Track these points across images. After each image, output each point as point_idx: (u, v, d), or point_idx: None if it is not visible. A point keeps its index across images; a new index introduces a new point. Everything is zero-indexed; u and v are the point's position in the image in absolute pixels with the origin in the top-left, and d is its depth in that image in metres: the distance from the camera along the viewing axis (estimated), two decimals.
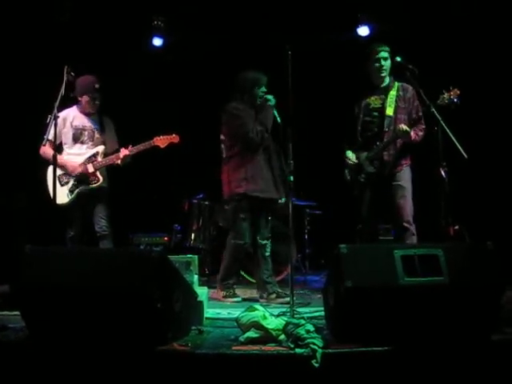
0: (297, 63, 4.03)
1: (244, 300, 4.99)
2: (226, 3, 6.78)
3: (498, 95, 6.30)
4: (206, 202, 6.66)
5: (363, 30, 7.14)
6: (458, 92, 4.23)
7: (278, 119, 4.85)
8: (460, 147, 3.86)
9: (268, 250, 5.08)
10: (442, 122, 4.12)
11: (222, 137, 5.09)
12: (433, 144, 4.52)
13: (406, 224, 4.59)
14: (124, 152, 4.96)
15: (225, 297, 4.92)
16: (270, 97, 4.90)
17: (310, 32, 6.85)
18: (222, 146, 5.09)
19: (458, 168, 4.55)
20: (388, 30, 6.42)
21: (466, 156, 3.86)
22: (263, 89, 4.97)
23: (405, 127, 4.51)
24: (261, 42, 6.86)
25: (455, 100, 4.21)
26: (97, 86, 4.97)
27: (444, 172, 4.65)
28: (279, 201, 5.12)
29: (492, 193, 6.48)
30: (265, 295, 4.93)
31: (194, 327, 3.35)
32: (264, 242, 5.04)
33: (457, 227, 5.42)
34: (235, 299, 4.89)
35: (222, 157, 5.10)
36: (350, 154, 4.91)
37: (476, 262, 3.01)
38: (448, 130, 3.99)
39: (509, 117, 6.46)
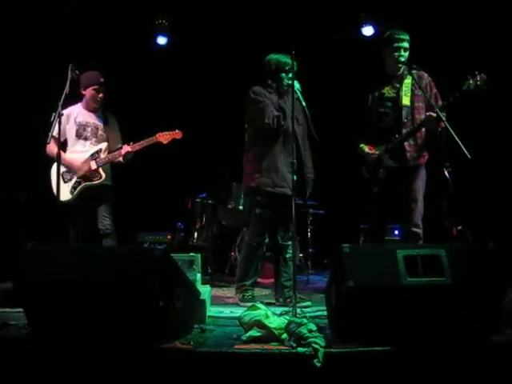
0: (300, 62, 4.03)
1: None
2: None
3: (502, 95, 6.28)
4: (210, 201, 6.68)
5: (368, 30, 7.13)
6: (485, 77, 4.03)
7: (303, 103, 4.47)
8: (463, 147, 3.83)
9: (290, 251, 4.66)
10: (445, 122, 4.08)
11: (245, 125, 4.82)
12: (436, 144, 4.51)
13: (414, 228, 4.45)
14: (126, 149, 4.94)
15: (241, 300, 4.59)
16: (294, 82, 4.33)
17: (315, 31, 6.85)
18: (246, 135, 4.82)
19: (462, 168, 4.55)
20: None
21: (469, 156, 3.82)
22: (290, 75, 4.44)
23: (434, 114, 4.21)
24: (265, 40, 6.85)
25: (482, 86, 4.02)
26: (101, 79, 4.99)
27: (447, 172, 4.65)
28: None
29: (495, 193, 6.46)
30: (281, 299, 4.64)
31: (196, 325, 3.35)
32: (285, 243, 4.71)
33: (460, 227, 5.42)
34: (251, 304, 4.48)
35: (243, 148, 4.84)
36: (367, 148, 4.65)
37: (478, 262, 3.00)
38: (451, 131, 3.95)
39: None
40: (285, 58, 4.61)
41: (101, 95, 5.04)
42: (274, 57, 4.71)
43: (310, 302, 4.55)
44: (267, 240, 4.88)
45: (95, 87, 4.99)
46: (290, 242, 4.69)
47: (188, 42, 7.27)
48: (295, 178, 3.96)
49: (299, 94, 4.46)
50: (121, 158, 5.00)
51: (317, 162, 6.79)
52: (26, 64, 6.70)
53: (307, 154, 4.81)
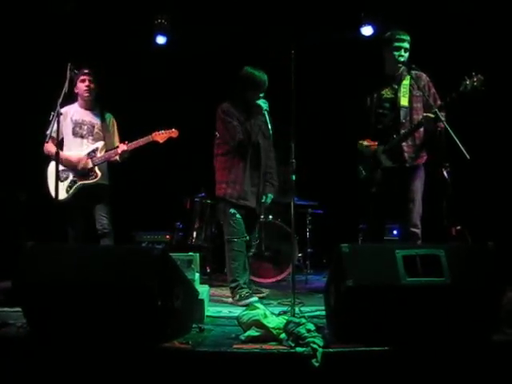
0: (300, 62, 4.02)
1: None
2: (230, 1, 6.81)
3: (501, 96, 6.28)
4: (208, 201, 6.65)
5: (367, 30, 7.13)
6: (482, 78, 4.01)
7: (269, 125, 4.69)
8: (462, 148, 3.83)
9: (252, 251, 5.15)
10: (444, 122, 4.09)
11: (216, 132, 4.94)
12: (435, 145, 4.51)
13: (412, 229, 4.45)
14: (122, 147, 4.93)
15: (239, 300, 4.64)
16: (261, 103, 4.73)
17: (315, 31, 6.85)
18: (215, 141, 4.97)
19: (461, 169, 4.54)
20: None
21: (468, 157, 3.83)
22: (261, 93, 4.77)
23: (431, 115, 4.22)
24: (264, 40, 6.86)
25: (479, 87, 4.00)
26: (86, 70, 4.96)
27: (446, 173, 4.65)
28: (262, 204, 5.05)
29: (494, 193, 6.47)
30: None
31: (194, 325, 3.36)
32: (249, 244, 5.01)
33: (459, 228, 5.42)
34: (250, 300, 4.55)
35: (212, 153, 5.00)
36: (366, 143, 4.68)
37: (477, 262, 3.00)
38: (451, 131, 3.95)
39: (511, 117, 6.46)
40: (260, 75, 4.78)
41: (86, 83, 4.98)
42: (249, 69, 4.82)
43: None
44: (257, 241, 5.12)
45: (81, 78, 4.96)
46: (255, 243, 5.16)
47: (187, 42, 7.26)
48: (294, 178, 3.97)
49: (266, 116, 4.68)
50: (117, 157, 4.99)
51: (316, 162, 6.84)
52: (26, 64, 6.70)
53: (271, 164, 5.04)
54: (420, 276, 2.91)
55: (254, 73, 4.79)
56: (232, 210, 4.77)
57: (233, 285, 4.77)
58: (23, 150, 6.36)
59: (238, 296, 4.68)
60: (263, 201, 4.98)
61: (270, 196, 5.05)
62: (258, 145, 4.85)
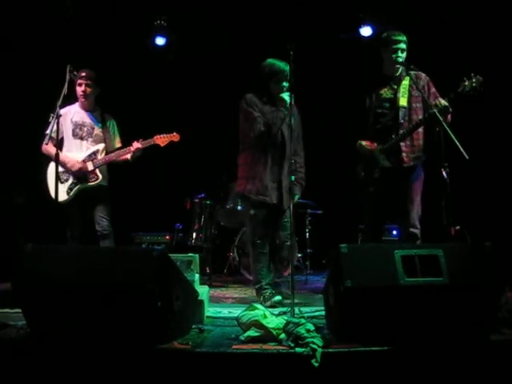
0: (299, 63, 4.03)
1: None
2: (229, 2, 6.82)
3: (500, 96, 6.29)
4: (208, 201, 6.68)
5: (366, 31, 7.14)
6: (481, 79, 4.04)
7: (295, 119, 4.39)
8: (461, 148, 3.84)
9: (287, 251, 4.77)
10: (443, 122, 4.09)
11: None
12: (434, 144, 4.52)
13: (411, 229, 4.45)
14: (136, 145, 4.96)
15: (263, 301, 4.49)
16: (285, 96, 4.50)
17: (313, 31, 6.86)
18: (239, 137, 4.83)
19: (460, 168, 4.55)
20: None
21: (467, 157, 3.83)
22: (284, 83, 4.57)
23: (443, 101, 4.16)
24: (263, 41, 6.87)
25: (478, 87, 4.03)
26: (83, 73, 4.95)
27: (445, 172, 4.65)
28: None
29: (493, 193, 6.47)
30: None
31: (194, 326, 3.36)
32: (281, 243, 4.77)
33: (458, 227, 5.42)
34: (274, 299, 4.47)
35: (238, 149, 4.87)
36: (364, 143, 4.65)
37: (475, 262, 3.01)
38: (449, 131, 3.96)
39: (510, 117, 6.46)
40: (281, 65, 4.60)
41: (82, 88, 4.99)
42: (270, 61, 4.70)
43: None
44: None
45: (78, 81, 4.97)
46: (285, 243, 4.72)
47: (187, 43, 7.27)
48: (293, 178, 3.99)
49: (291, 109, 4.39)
50: (128, 156, 5.00)
51: (315, 162, 6.84)
52: (25, 66, 6.71)
53: (300, 161, 4.86)
54: (419, 276, 2.92)
55: (274, 62, 4.65)
56: (252, 212, 4.68)
57: (256, 286, 4.72)
58: (22, 152, 6.36)
59: (262, 297, 4.61)
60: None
61: (297, 196, 4.86)
62: (282, 138, 4.68)
